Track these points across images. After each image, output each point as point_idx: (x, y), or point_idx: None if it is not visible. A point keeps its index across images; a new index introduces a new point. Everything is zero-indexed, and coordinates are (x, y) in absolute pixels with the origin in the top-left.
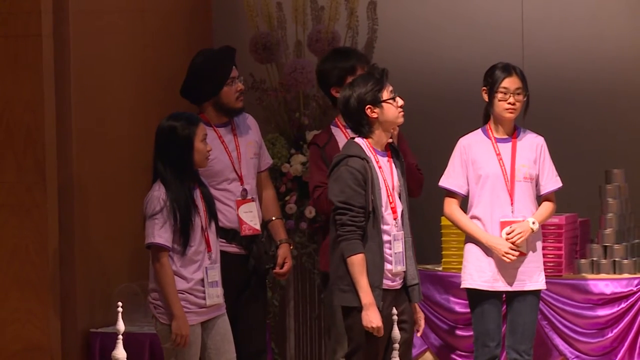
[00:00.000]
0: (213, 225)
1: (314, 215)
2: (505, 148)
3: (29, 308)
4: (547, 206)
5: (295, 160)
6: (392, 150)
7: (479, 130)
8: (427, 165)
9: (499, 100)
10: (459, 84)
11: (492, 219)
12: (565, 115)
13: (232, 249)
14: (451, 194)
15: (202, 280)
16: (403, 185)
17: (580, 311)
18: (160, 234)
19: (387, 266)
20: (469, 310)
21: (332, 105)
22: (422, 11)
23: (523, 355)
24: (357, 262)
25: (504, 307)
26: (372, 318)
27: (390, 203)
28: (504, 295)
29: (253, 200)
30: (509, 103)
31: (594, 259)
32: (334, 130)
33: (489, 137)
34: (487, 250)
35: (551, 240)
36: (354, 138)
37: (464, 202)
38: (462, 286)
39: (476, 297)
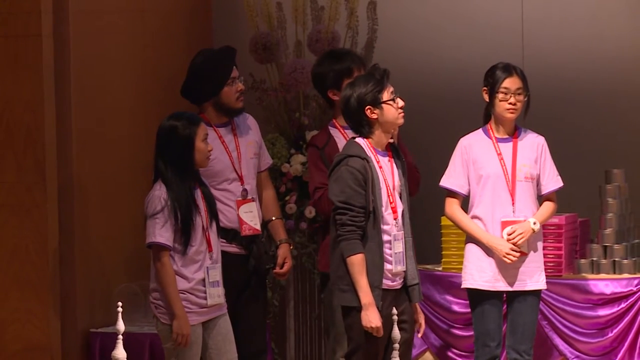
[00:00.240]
0: (214, 225)
1: (314, 215)
2: (506, 148)
3: (29, 308)
4: (548, 206)
5: (295, 160)
6: (393, 150)
7: (480, 130)
8: (427, 165)
9: (500, 101)
10: (459, 84)
11: (493, 218)
12: (565, 115)
13: (233, 249)
14: (452, 194)
15: (203, 280)
16: (404, 185)
17: (580, 311)
18: (162, 233)
19: (387, 266)
20: (468, 310)
21: (329, 107)
22: (422, 11)
23: (523, 355)
24: (357, 262)
25: (505, 307)
26: (371, 318)
27: (391, 203)
28: (504, 295)
29: (253, 200)
30: (510, 103)
31: (594, 259)
32: (332, 131)
33: (489, 137)
34: (488, 250)
35: (551, 240)
36: (354, 138)
37: (465, 202)
38: (462, 286)
39: (477, 297)
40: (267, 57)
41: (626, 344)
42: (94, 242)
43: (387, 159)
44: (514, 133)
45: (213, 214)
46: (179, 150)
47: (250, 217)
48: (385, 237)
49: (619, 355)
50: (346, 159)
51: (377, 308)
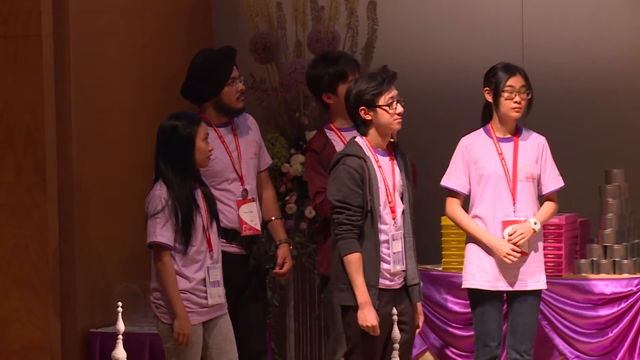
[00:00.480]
0: (214, 225)
1: (314, 216)
2: (507, 148)
3: (29, 308)
4: (549, 206)
5: (295, 160)
6: (395, 150)
7: (481, 130)
8: (427, 165)
9: (506, 99)
10: (459, 84)
11: (494, 218)
12: (565, 115)
13: (233, 249)
14: (453, 193)
15: (204, 279)
16: (406, 185)
17: (580, 311)
18: (162, 233)
19: (384, 265)
20: (468, 310)
21: (324, 110)
22: (422, 11)
23: (523, 355)
24: (353, 261)
25: (505, 307)
26: (367, 317)
27: (390, 203)
28: (504, 295)
29: (253, 200)
30: (515, 102)
31: (594, 259)
32: (329, 134)
33: (490, 137)
34: (489, 250)
35: (551, 240)
36: (355, 137)
37: (465, 202)
38: (463, 286)
39: (477, 297)
40: (267, 57)
41: (626, 344)
42: (94, 242)
43: (387, 158)
44: (515, 133)
45: (213, 213)
46: (180, 150)
47: (250, 217)
48: (383, 237)
49: (619, 355)
50: (344, 158)
51: (374, 307)
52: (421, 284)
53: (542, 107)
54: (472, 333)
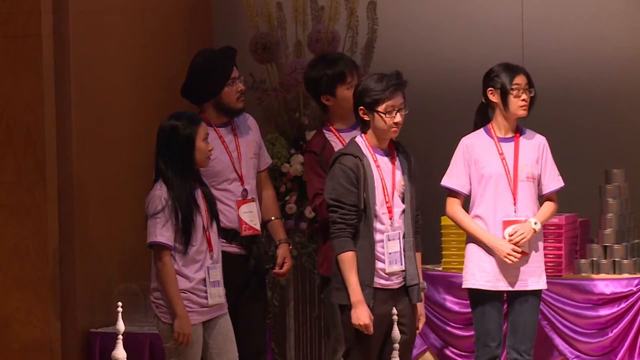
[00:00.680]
0: (215, 225)
1: (314, 216)
2: (508, 147)
3: (29, 308)
4: (549, 206)
5: (295, 160)
6: (398, 150)
7: (481, 130)
8: (427, 165)
9: (514, 98)
10: (459, 84)
11: (495, 218)
12: (565, 115)
13: (232, 249)
14: (453, 193)
15: (204, 279)
16: (409, 186)
17: (580, 311)
18: (162, 232)
19: (380, 265)
20: (468, 310)
21: (322, 111)
22: (422, 11)
23: (523, 355)
24: (346, 260)
25: (505, 307)
26: (359, 315)
27: (387, 202)
28: (504, 295)
29: (253, 200)
30: (522, 100)
31: (594, 259)
32: (328, 135)
33: (491, 137)
34: (489, 250)
35: (551, 240)
36: (355, 137)
37: (466, 202)
38: (463, 286)
39: (477, 297)
40: (267, 57)
41: (626, 344)
42: (94, 242)
43: (387, 158)
44: (516, 133)
45: (213, 213)
46: (180, 149)
47: (250, 217)
48: (378, 236)
49: (619, 355)
50: (340, 157)
51: (368, 306)
52: (424, 285)
53: (542, 107)
54: (472, 333)
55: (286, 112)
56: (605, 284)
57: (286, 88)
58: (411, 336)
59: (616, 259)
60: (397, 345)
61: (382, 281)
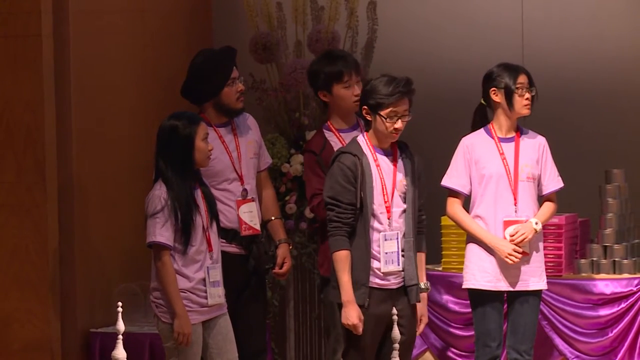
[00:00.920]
0: (214, 225)
1: (313, 216)
2: (509, 148)
3: (29, 308)
4: (548, 206)
5: (295, 160)
6: (402, 150)
7: (482, 130)
8: (427, 165)
9: (519, 97)
10: (459, 84)
11: (496, 218)
12: (565, 116)
13: (232, 249)
14: (454, 193)
15: (204, 279)
16: (411, 185)
17: (580, 311)
18: (162, 232)
19: (375, 264)
20: (468, 310)
21: (322, 107)
22: (422, 11)
23: (524, 355)
24: (340, 259)
25: (505, 307)
26: (349, 315)
27: (385, 202)
28: (505, 295)
29: (253, 200)
30: (526, 99)
31: (594, 259)
32: (328, 134)
33: (492, 137)
34: (489, 250)
35: (551, 240)
36: (357, 136)
37: (466, 202)
38: (464, 286)
39: (478, 297)
40: (267, 57)
41: (626, 344)
42: (94, 242)
43: (388, 158)
44: (516, 133)
45: (213, 214)
46: (179, 149)
47: (250, 217)
48: (375, 236)
49: (619, 355)
50: (339, 155)
51: (363, 306)
52: (427, 285)
53: (542, 107)
54: (472, 333)
55: (286, 112)
56: (605, 284)
57: (286, 88)
58: (410, 337)
59: (616, 259)
60: (397, 345)
61: (378, 280)
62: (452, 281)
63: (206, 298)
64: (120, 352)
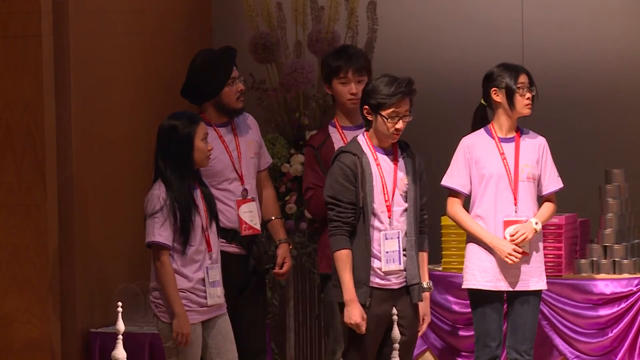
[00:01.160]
0: (214, 225)
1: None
2: (509, 148)
3: (28, 308)
4: (548, 207)
5: (295, 160)
6: (403, 150)
7: (482, 130)
8: (427, 165)
9: (520, 96)
10: (459, 84)
11: (496, 218)
12: (565, 115)
13: (232, 249)
14: (454, 193)
15: (203, 279)
16: (412, 185)
17: (580, 311)
18: (161, 232)
19: (376, 263)
20: (469, 310)
21: (323, 106)
22: (422, 11)
23: (524, 355)
24: (341, 258)
25: (505, 307)
26: (351, 314)
27: (386, 201)
28: (505, 295)
29: (253, 200)
30: (527, 99)
31: (594, 259)
32: (331, 130)
33: (492, 137)
34: (490, 250)
35: (551, 240)
36: (358, 135)
37: (466, 202)
38: (463, 286)
39: (478, 297)
40: (267, 57)
41: (626, 344)
42: (94, 242)
43: (389, 157)
44: (516, 133)
45: (213, 214)
46: (179, 149)
47: (250, 217)
48: (376, 235)
49: (619, 355)
50: (339, 154)
51: (364, 305)
52: (429, 284)
53: (542, 107)
54: (472, 333)
55: (286, 112)
56: (605, 284)
57: (286, 88)
58: (411, 337)
59: (616, 259)
60: (397, 345)
61: (379, 280)
62: (452, 281)
63: (205, 298)
64: (120, 352)
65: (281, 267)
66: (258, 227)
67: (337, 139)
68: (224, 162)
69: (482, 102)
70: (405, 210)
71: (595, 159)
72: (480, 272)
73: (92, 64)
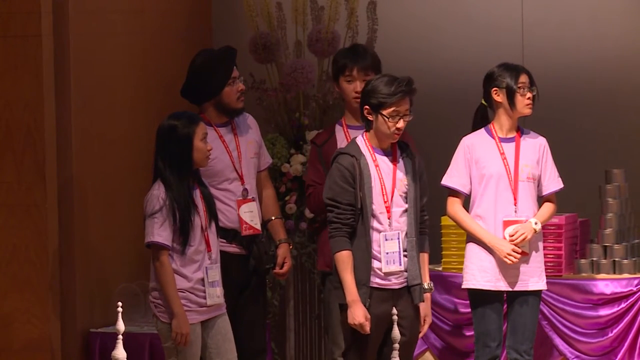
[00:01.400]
0: (213, 225)
1: (314, 215)
2: (509, 148)
3: (28, 308)
4: (548, 207)
5: (295, 160)
6: (402, 150)
7: (482, 130)
8: (427, 164)
9: (521, 96)
10: (459, 84)
11: (496, 218)
12: (565, 115)
13: (233, 249)
14: (454, 193)
15: (203, 279)
16: (412, 185)
17: (580, 311)
18: (160, 232)
19: (376, 264)
20: (469, 310)
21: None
22: (422, 11)
23: (524, 355)
24: (342, 259)
25: (505, 307)
26: (355, 315)
27: (385, 202)
28: (504, 295)
29: (253, 200)
30: (528, 98)
31: (594, 259)
32: (337, 129)
33: (492, 137)
34: (489, 250)
35: (551, 240)
36: (357, 137)
37: (466, 202)
38: (463, 286)
39: (477, 297)
40: (267, 57)
41: (626, 344)
42: (94, 242)
43: (388, 158)
44: (517, 133)
45: (212, 214)
46: (178, 149)
47: (251, 217)
48: (375, 236)
49: (619, 355)
50: (338, 156)
51: (364, 306)
52: (430, 285)
53: (542, 107)
54: (472, 333)
55: (286, 112)
56: (605, 284)
57: (286, 88)
58: (411, 337)
59: (616, 259)
60: (397, 345)
61: (380, 280)
62: (452, 281)
63: (205, 298)
64: (120, 352)
65: (281, 267)
66: (258, 227)
67: (342, 138)
68: (224, 162)
69: (483, 102)
70: (406, 211)
71: (595, 159)
72: (480, 272)
73: (92, 64)
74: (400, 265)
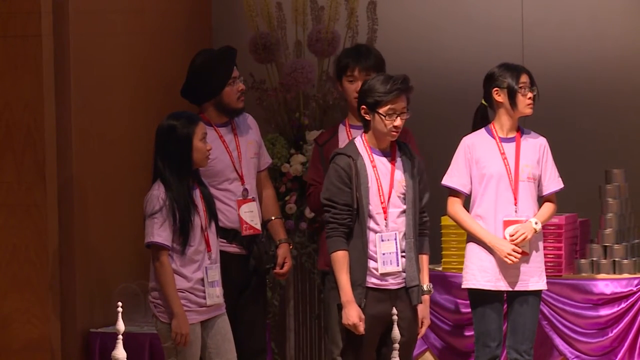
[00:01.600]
0: (213, 225)
1: (314, 215)
2: (510, 148)
3: (28, 308)
4: (548, 207)
5: (295, 160)
6: (402, 151)
7: (483, 130)
8: (427, 164)
9: (522, 96)
10: (459, 84)
11: (496, 218)
12: (565, 115)
13: (233, 249)
14: (454, 193)
15: (202, 279)
16: (411, 186)
17: (580, 311)
18: (160, 232)
19: (373, 264)
20: (469, 310)
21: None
22: (422, 11)
23: (524, 355)
24: (337, 260)
25: (505, 306)
26: (349, 315)
27: (382, 203)
28: (504, 295)
29: (254, 200)
30: (529, 98)
31: (594, 259)
32: (340, 128)
33: (493, 137)
34: (489, 250)
35: (551, 240)
36: (355, 137)
37: (466, 202)
38: (463, 286)
39: (477, 297)
40: (267, 57)
41: (626, 344)
42: (94, 242)
43: (386, 159)
44: (517, 133)
45: (212, 214)
46: (177, 149)
47: (251, 217)
48: (372, 236)
49: (619, 355)
50: (335, 157)
51: (360, 306)
52: (429, 287)
53: (542, 107)
54: (472, 333)
55: (286, 112)
56: (605, 284)
57: (286, 88)
58: (410, 338)
59: (616, 259)
60: (397, 346)
61: (376, 281)
62: (452, 281)
63: (204, 298)
64: (120, 352)
65: (281, 267)
66: (259, 227)
67: (344, 138)
68: (224, 162)
69: (483, 102)
70: (404, 212)
71: (595, 159)
72: (480, 272)
73: (92, 64)
74: (398, 265)
